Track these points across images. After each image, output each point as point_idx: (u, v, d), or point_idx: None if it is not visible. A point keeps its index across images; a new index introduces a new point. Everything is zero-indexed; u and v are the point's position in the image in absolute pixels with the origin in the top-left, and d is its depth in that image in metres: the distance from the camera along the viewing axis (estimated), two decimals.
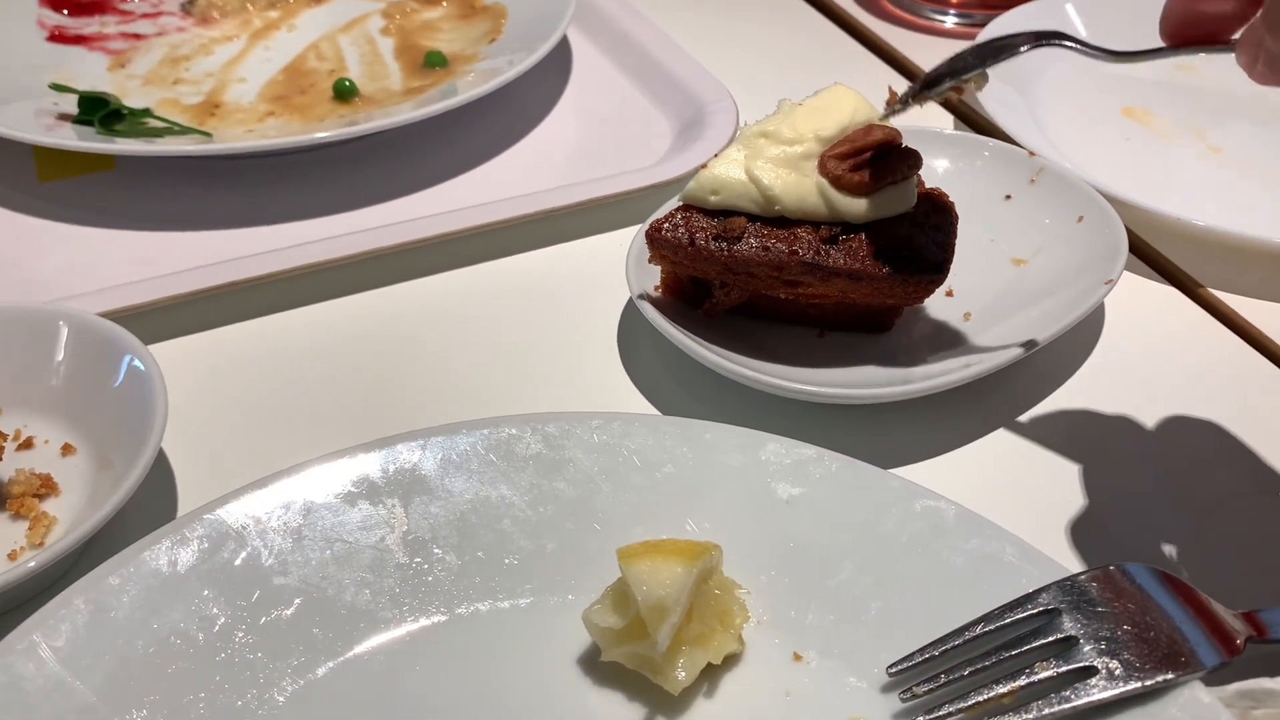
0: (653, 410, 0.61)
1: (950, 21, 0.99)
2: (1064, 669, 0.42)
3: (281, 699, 0.44)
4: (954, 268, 0.59)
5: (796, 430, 0.53)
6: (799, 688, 0.45)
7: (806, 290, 0.59)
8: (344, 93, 0.81)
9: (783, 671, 0.45)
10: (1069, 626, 0.43)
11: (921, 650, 0.44)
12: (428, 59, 0.85)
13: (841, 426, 0.60)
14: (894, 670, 0.44)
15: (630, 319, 0.67)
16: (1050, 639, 0.43)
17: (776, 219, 0.58)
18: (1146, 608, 0.44)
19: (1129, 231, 0.66)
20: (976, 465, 0.58)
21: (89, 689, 0.42)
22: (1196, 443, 0.59)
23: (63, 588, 0.48)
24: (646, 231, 0.60)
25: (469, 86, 0.79)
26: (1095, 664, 0.42)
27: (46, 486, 0.53)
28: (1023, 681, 0.42)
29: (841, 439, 0.56)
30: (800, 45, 0.97)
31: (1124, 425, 0.60)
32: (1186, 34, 0.48)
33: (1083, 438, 0.60)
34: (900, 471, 0.56)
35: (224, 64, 0.87)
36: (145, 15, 0.93)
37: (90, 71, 0.85)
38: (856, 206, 0.57)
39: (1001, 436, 0.60)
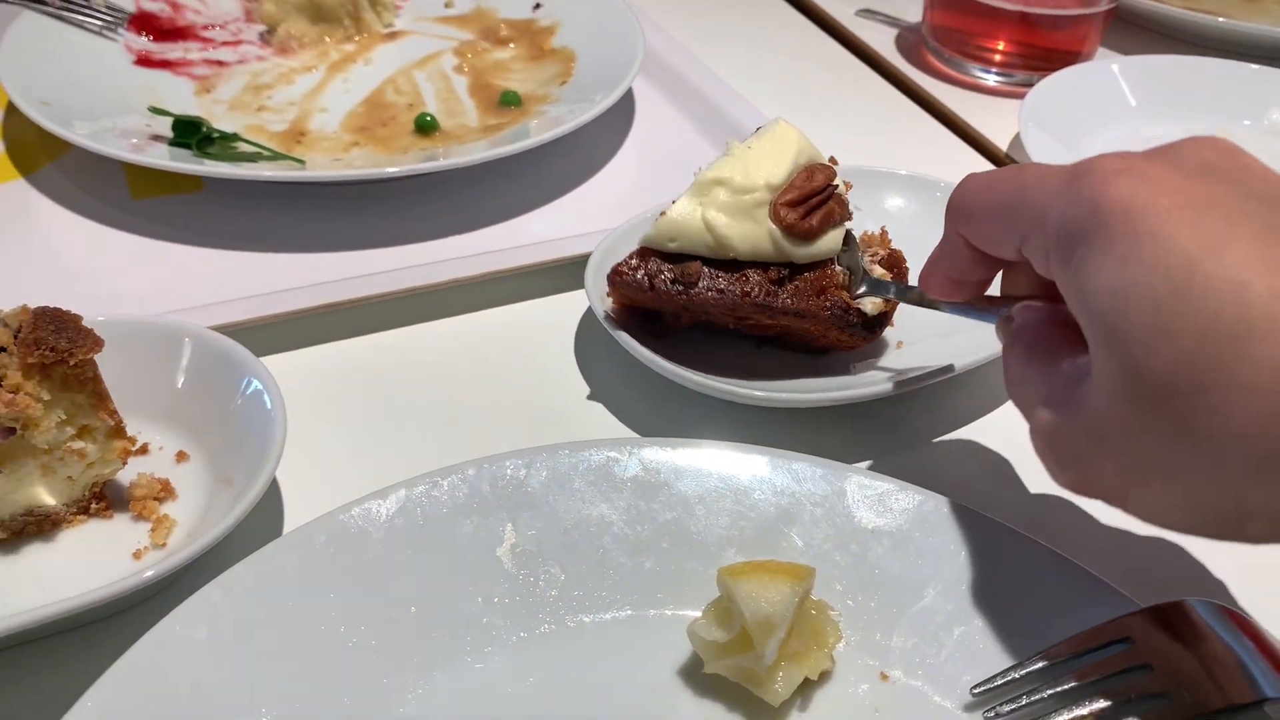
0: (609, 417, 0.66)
1: (993, 80, 1.03)
2: (1139, 694, 0.45)
3: (407, 699, 0.47)
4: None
5: (740, 435, 0.61)
6: (887, 705, 0.48)
7: (752, 324, 0.64)
8: (425, 127, 0.85)
9: (871, 689, 0.48)
10: (1142, 656, 0.47)
11: (1004, 672, 0.47)
12: (503, 98, 0.89)
13: (791, 431, 0.65)
14: (978, 691, 0.47)
15: (586, 330, 0.72)
16: (1124, 666, 0.46)
17: (728, 260, 0.63)
18: (1212, 642, 0.47)
19: None
20: (917, 468, 0.63)
21: (228, 680, 0.45)
22: None
23: (175, 590, 0.52)
24: (609, 275, 0.63)
25: (540, 129, 0.83)
26: (1170, 690, 0.45)
27: (165, 491, 0.56)
28: (1102, 704, 0.45)
29: (785, 443, 0.61)
30: (851, 96, 1.01)
31: None
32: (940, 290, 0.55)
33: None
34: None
35: (305, 93, 0.91)
36: (226, 43, 0.97)
37: (178, 95, 0.89)
38: (802, 250, 0.62)
39: (959, 437, 0.65)
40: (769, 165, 0.62)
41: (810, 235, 0.61)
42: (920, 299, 0.59)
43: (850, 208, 0.64)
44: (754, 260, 0.62)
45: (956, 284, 0.54)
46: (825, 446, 0.63)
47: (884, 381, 0.63)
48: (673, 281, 0.62)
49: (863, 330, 0.63)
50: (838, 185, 0.64)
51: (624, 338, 0.64)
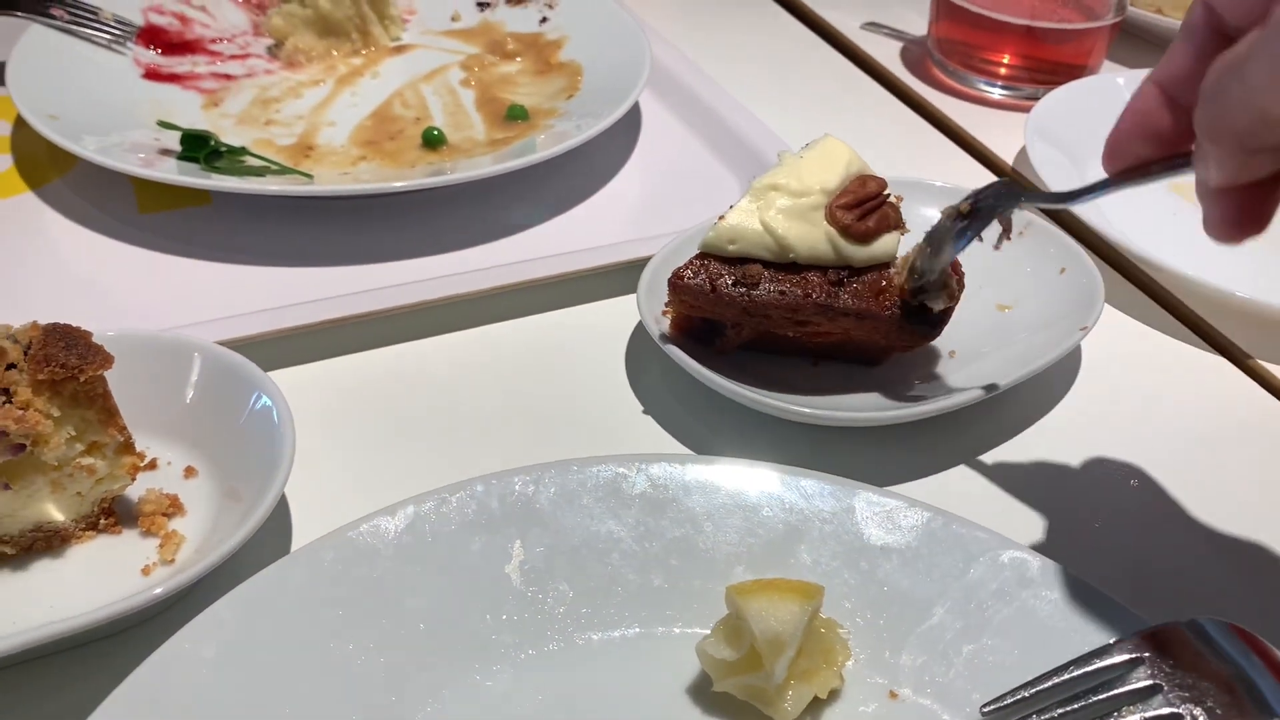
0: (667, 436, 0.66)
1: (998, 93, 1.03)
2: (1150, 714, 0.45)
3: (416, 717, 0.47)
4: None
5: (791, 452, 0.62)
6: None
7: (813, 329, 0.64)
8: (433, 141, 0.85)
9: (881, 708, 0.48)
10: (1152, 675, 0.47)
11: (1013, 691, 0.47)
12: (510, 112, 0.89)
13: (840, 449, 0.65)
14: (987, 709, 0.47)
15: (637, 354, 0.71)
16: (1135, 686, 0.46)
17: (787, 264, 0.63)
18: (1222, 660, 0.47)
19: (1168, 294, 0.73)
20: (962, 485, 0.63)
21: (237, 699, 0.45)
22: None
23: (183, 606, 0.51)
24: (670, 279, 0.64)
25: (547, 143, 0.83)
26: (1180, 711, 0.45)
27: (174, 506, 0.56)
28: None
29: (833, 460, 0.62)
30: (855, 109, 1.01)
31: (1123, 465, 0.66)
32: (1129, 159, 0.49)
33: (1074, 467, 0.66)
34: (896, 489, 0.61)
35: (313, 107, 0.91)
36: (234, 56, 0.97)
37: (186, 109, 0.89)
38: (860, 252, 0.62)
39: (991, 458, 0.65)
40: (822, 172, 0.63)
41: (867, 237, 0.62)
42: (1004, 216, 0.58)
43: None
44: (812, 264, 0.63)
45: (1163, 111, 0.47)
46: (880, 464, 0.64)
47: (939, 399, 0.63)
48: (734, 284, 0.62)
49: (925, 327, 0.63)
50: (889, 195, 0.64)
51: (676, 352, 0.64)
